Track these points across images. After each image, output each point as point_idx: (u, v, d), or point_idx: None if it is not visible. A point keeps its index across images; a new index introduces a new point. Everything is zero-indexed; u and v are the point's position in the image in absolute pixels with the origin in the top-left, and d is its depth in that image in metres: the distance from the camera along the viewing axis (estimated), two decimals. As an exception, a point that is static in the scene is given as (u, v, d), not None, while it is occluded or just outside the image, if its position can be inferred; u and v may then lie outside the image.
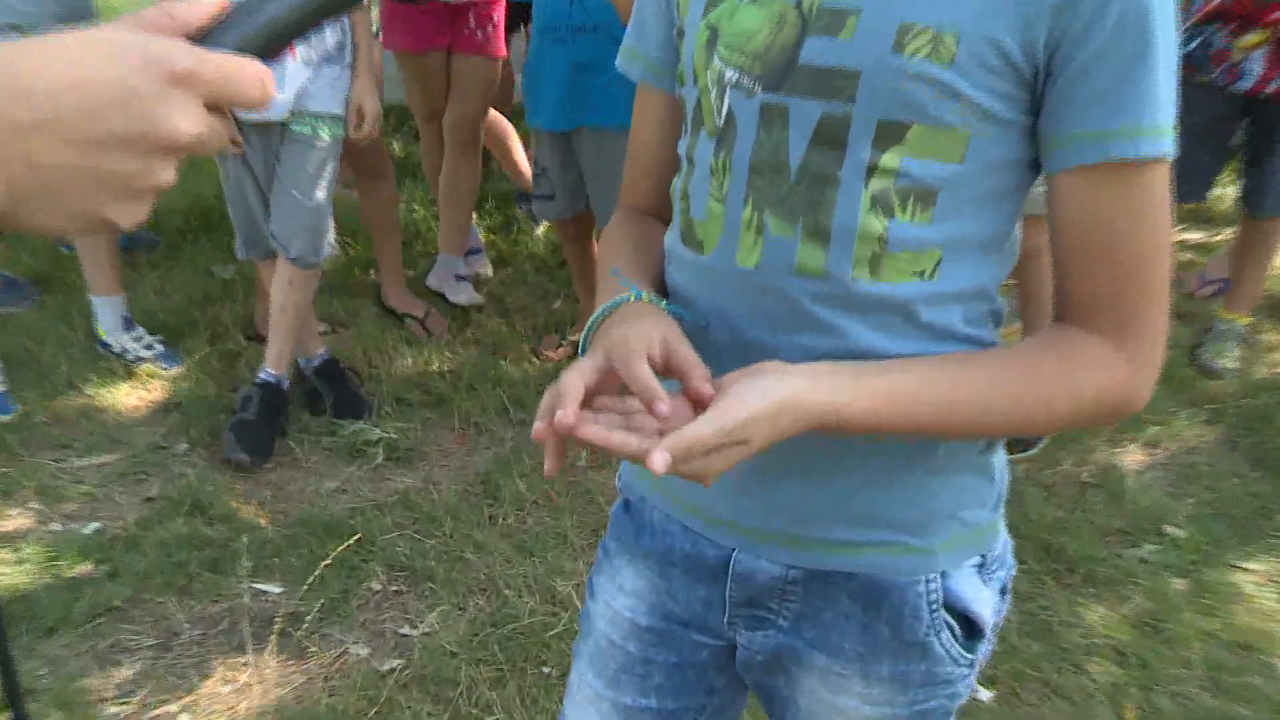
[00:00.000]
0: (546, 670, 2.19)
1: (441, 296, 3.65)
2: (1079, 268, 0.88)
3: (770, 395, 0.81)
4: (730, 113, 0.91)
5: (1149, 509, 2.76)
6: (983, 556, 1.01)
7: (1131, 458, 3.01)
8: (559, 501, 2.70)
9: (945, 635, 1.00)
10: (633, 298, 0.92)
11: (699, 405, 0.82)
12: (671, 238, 1.01)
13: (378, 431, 2.94)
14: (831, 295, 0.89)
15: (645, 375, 0.80)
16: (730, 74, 0.91)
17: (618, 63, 1.09)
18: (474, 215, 3.90)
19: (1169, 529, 2.70)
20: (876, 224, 0.87)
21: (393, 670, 2.19)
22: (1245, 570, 2.57)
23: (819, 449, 0.92)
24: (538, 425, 0.81)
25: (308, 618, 2.31)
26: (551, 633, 2.27)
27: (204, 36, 0.56)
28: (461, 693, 2.12)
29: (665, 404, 0.79)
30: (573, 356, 3.30)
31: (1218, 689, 2.21)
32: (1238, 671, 2.25)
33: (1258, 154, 3.21)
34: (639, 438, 0.79)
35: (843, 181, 0.87)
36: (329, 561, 2.44)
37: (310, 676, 2.18)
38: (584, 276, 3.33)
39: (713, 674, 1.12)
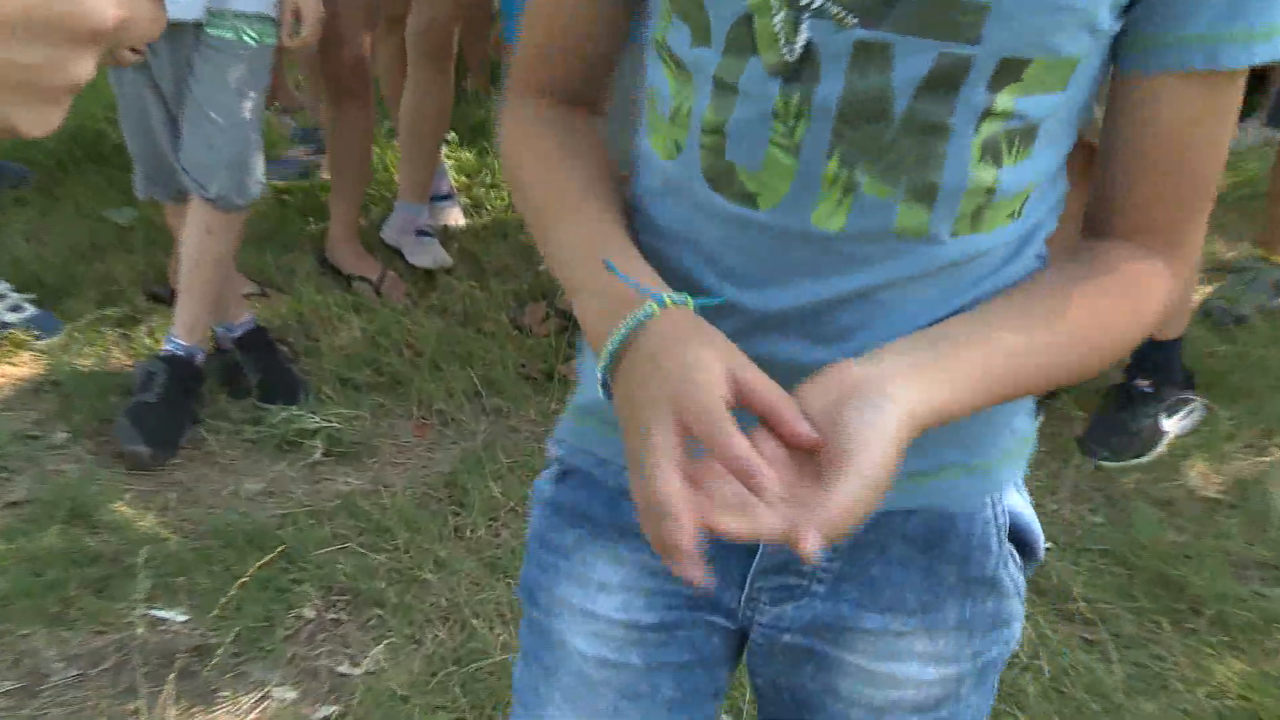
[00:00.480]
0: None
1: (400, 254, 3.67)
2: (1147, 178, 0.97)
3: (891, 424, 0.84)
4: (811, 45, 0.90)
5: None
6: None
7: None
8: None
9: (1011, 566, 1.08)
10: (656, 310, 0.90)
11: (794, 445, 0.84)
12: (659, 165, 1.01)
13: (316, 419, 2.94)
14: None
15: (741, 448, 0.80)
16: None
17: None
18: (443, 151, 3.91)
19: None
20: (987, 175, 0.93)
21: (327, 719, 2.21)
22: None
23: None
24: (664, 536, 0.81)
25: (218, 652, 2.30)
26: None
27: None
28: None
29: (772, 479, 0.80)
30: (561, 330, 3.35)
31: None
32: None
33: None
34: (779, 515, 0.80)
35: (954, 130, 0.91)
36: (247, 580, 2.43)
37: (217, 730, 2.21)
38: None
39: (719, 671, 1.15)
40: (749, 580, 1.07)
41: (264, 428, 2.92)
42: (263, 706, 2.22)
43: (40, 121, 0.57)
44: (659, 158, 1.02)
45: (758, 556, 1.06)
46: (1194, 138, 0.95)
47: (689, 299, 0.93)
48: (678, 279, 0.96)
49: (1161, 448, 3.02)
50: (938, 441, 0.94)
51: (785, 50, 0.91)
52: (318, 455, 2.87)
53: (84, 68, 0.56)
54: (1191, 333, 3.25)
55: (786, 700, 1.15)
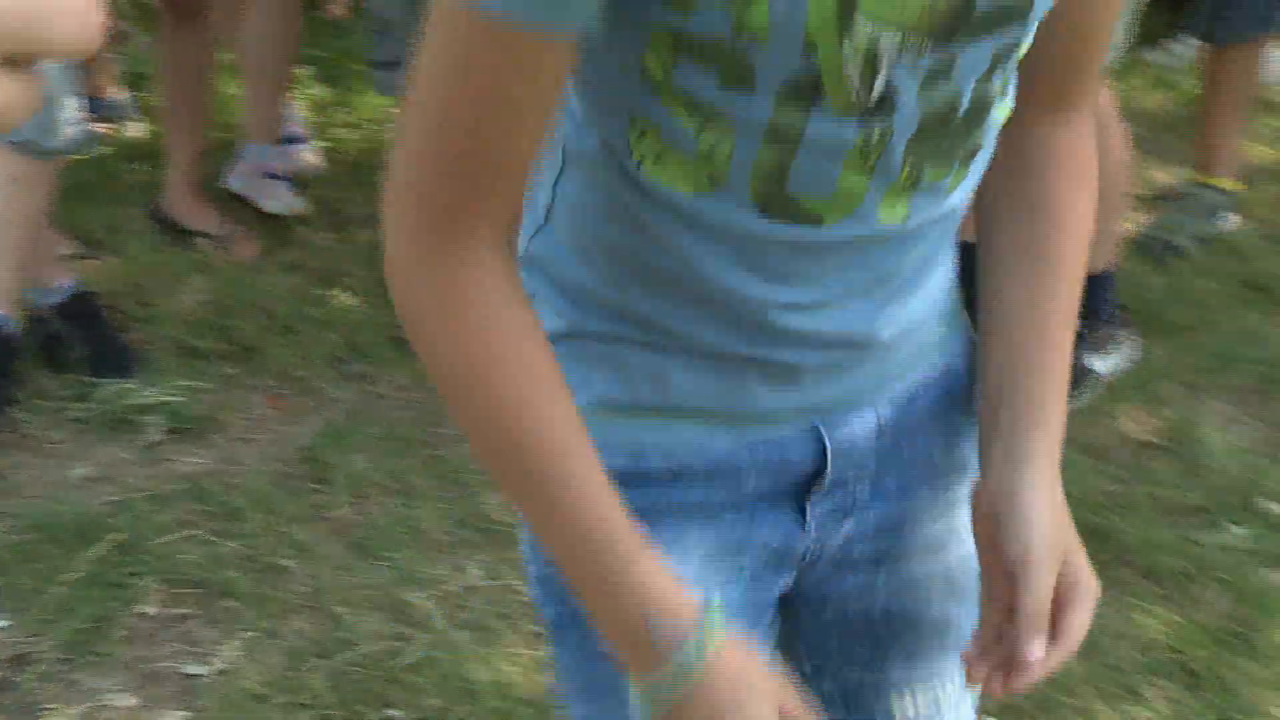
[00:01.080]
0: (393, 714, 2.30)
1: (247, 204, 3.68)
2: (1060, 44, 1.10)
3: (1061, 548, 1.11)
4: (890, 83, 0.96)
5: (1237, 479, 2.93)
6: None
7: (1216, 410, 3.17)
8: (416, 483, 2.80)
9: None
10: (711, 646, 1.03)
11: None
12: (674, 198, 1.04)
13: (153, 394, 2.97)
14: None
15: None
16: (889, 39, 0.93)
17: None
18: (292, 85, 3.94)
19: (1264, 504, 2.86)
20: (1001, 115, 1.07)
21: None
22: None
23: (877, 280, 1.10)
24: None
25: (42, 659, 2.34)
26: (402, 663, 2.38)
27: None
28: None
29: None
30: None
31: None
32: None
33: None
34: None
35: (998, 95, 1.04)
36: (77, 577, 2.47)
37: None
38: None
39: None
40: (809, 518, 1.19)
41: (92, 405, 2.93)
42: (96, 717, 2.26)
43: None
44: (679, 191, 1.02)
45: (826, 470, 1.17)
46: None
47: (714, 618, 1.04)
48: (703, 291, 1.04)
49: (1091, 390, 3.15)
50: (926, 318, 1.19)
51: (860, 93, 0.96)
52: (156, 434, 2.88)
53: None
54: (1123, 266, 3.37)
55: (863, 638, 1.27)
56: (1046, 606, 1.06)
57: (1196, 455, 2.99)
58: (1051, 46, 1.09)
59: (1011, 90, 1.09)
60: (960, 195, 1.09)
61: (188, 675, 2.35)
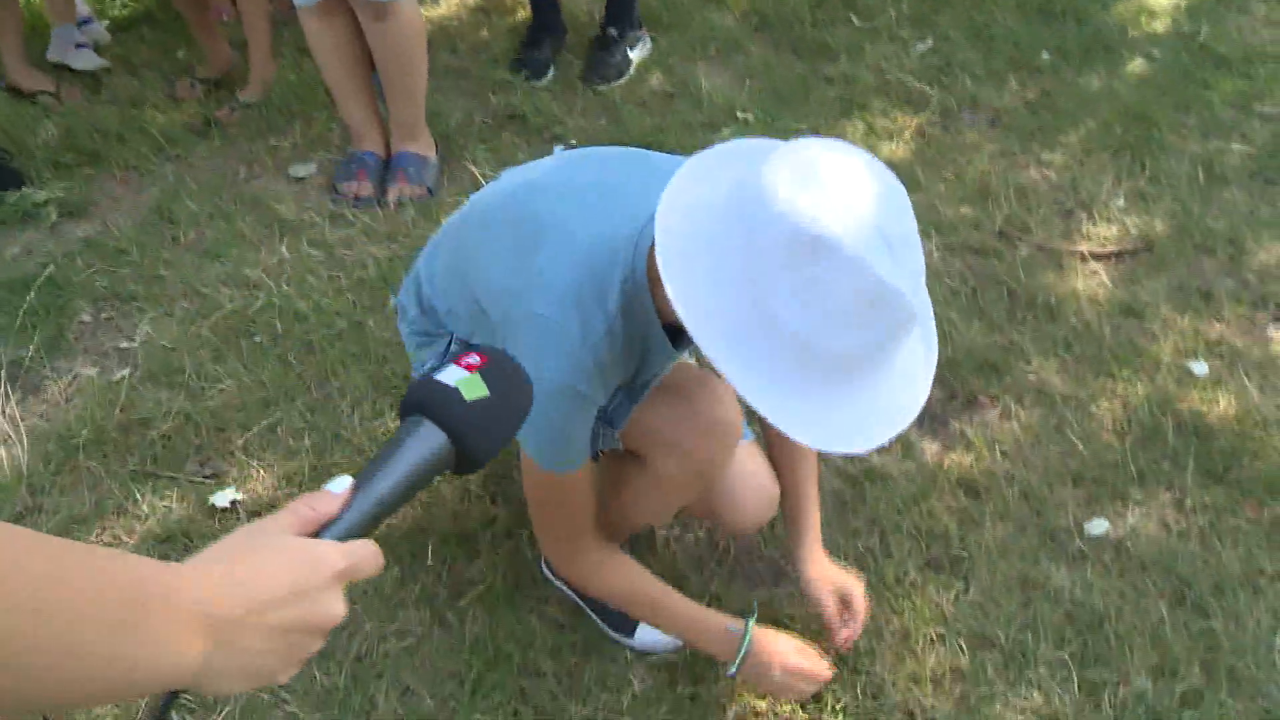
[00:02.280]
0: (257, 339, 2.60)
1: (67, 68, 3.69)
2: None
3: (826, 572, 1.90)
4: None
5: (722, 102, 3.39)
6: None
7: (703, 69, 3.61)
8: (231, 209, 3.03)
9: None
10: (751, 634, 1.74)
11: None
12: None
13: (44, 193, 3.08)
14: None
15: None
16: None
17: (556, 465, 1.54)
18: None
19: (740, 113, 3.35)
20: None
21: (124, 377, 2.50)
22: (798, 129, 3.29)
23: None
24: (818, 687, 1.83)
25: (30, 359, 2.56)
26: (254, 309, 2.67)
27: (335, 520, 0.75)
28: (189, 374, 2.50)
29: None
30: (209, 92, 3.55)
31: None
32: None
33: None
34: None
35: None
36: (30, 301, 2.67)
37: (52, 403, 2.46)
38: (203, 26, 3.57)
39: None
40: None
41: (5, 208, 3.02)
42: (76, 382, 2.49)
43: (292, 674, 0.70)
44: None
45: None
46: None
47: (751, 626, 1.73)
48: None
49: (631, 70, 3.54)
50: None
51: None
52: (55, 218, 3.00)
53: (319, 644, 0.71)
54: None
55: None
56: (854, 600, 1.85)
57: (698, 93, 3.42)
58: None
59: None
60: None
61: (122, 348, 2.57)
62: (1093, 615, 1.99)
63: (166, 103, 3.55)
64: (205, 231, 2.98)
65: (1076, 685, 1.89)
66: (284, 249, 2.90)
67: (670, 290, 1.19)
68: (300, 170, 3.21)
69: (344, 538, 0.74)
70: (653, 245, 1.25)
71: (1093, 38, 3.74)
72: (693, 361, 1.86)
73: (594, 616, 1.95)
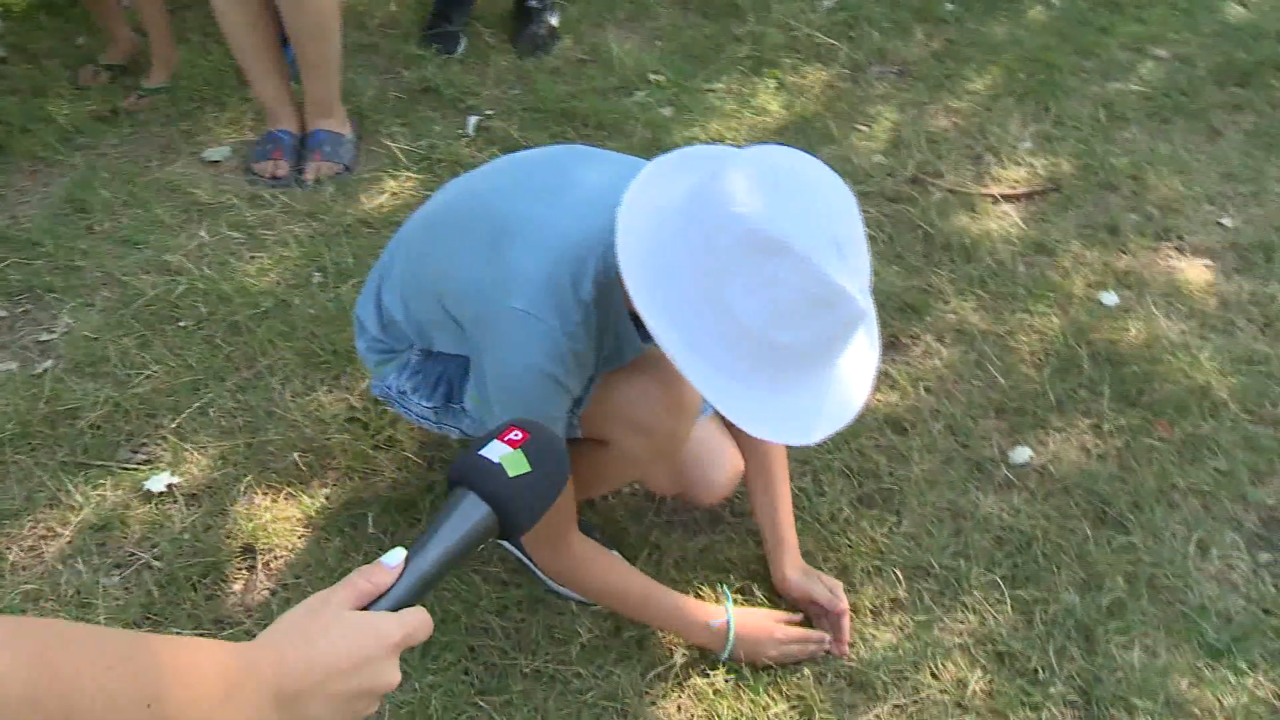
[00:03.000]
0: (182, 323, 2.56)
1: None
2: None
3: (801, 576, 1.92)
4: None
5: (634, 66, 3.41)
6: None
7: (615, 34, 3.62)
8: (147, 198, 2.98)
9: None
10: (733, 614, 1.81)
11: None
12: None
13: None
14: None
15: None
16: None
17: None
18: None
19: (652, 76, 3.36)
20: None
21: (47, 369, 2.45)
22: (710, 90, 3.33)
23: None
24: (813, 652, 1.87)
25: None
26: (177, 293, 2.63)
27: (389, 590, 0.81)
28: (115, 363, 2.46)
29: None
30: (114, 79, 3.47)
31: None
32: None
33: None
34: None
35: None
36: None
37: (-28, 399, 2.38)
38: (104, 10, 3.49)
39: None
40: None
41: None
42: None
43: None
44: None
45: None
46: None
47: (730, 609, 1.80)
48: None
49: (556, 39, 3.54)
50: None
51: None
52: None
53: (375, 708, 0.79)
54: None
55: None
56: (837, 599, 1.86)
57: (610, 58, 3.43)
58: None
59: None
60: None
61: (42, 341, 2.52)
62: (1021, 538, 2.06)
63: (71, 91, 3.47)
64: (121, 219, 2.93)
65: (1009, 605, 1.95)
66: (203, 233, 2.86)
67: (629, 285, 1.27)
68: (214, 153, 3.17)
69: (396, 607, 0.81)
70: None
71: (992, -13, 3.82)
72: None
73: (537, 572, 1.97)
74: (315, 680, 0.73)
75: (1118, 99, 3.26)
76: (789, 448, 1.98)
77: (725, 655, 1.80)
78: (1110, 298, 2.57)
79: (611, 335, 1.53)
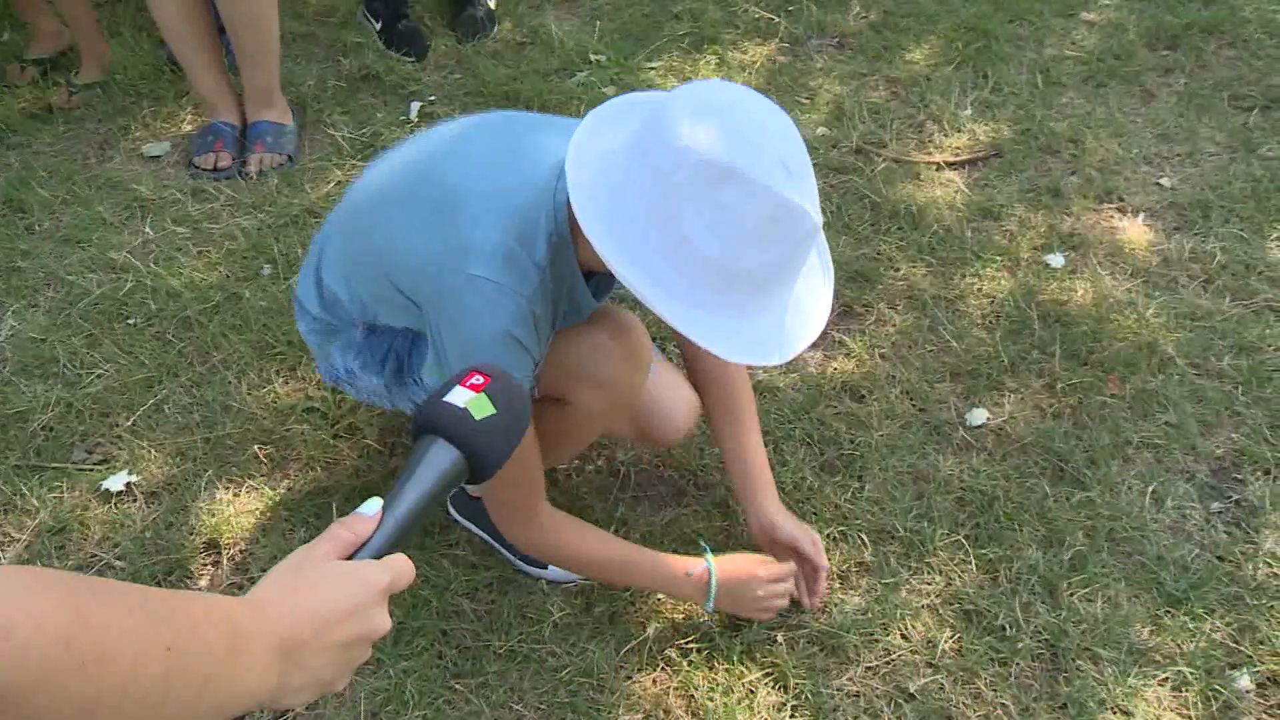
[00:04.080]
0: (131, 321, 2.51)
1: None
2: None
3: (782, 518, 1.86)
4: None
5: (574, 46, 3.38)
6: None
7: (553, 15, 3.59)
8: (87, 193, 2.91)
9: None
10: (713, 563, 1.75)
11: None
12: None
13: None
14: None
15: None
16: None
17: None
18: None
19: (593, 56, 3.34)
20: None
21: None
22: (652, 68, 3.31)
23: None
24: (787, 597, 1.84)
25: None
26: (124, 291, 2.58)
27: (370, 540, 0.81)
28: (64, 363, 2.40)
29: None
30: (45, 75, 3.39)
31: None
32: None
33: None
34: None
35: None
36: None
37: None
38: (26, 2, 3.39)
39: None
40: None
41: None
42: None
43: (348, 680, 0.79)
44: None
45: None
46: None
47: (709, 558, 1.74)
48: None
49: (494, 25, 3.50)
50: None
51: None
52: None
53: (369, 654, 0.80)
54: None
55: None
56: (819, 552, 1.81)
57: (550, 40, 3.40)
58: (703, 373, 1.84)
59: None
60: None
61: None
62: (982, 498, 2.07)
63: (2, 92, 3.38)
64: (61, 218, 2.87)
65: (974, 564, 1.97)
66: (148, 229, 2.80)
67: (589, 232, 1.27)
68: (154, 148, 3.11)
69: (379, 555, 0.82)
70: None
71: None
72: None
73: (505, 553, 1.96)
74: (313, 630, 0.75)
75: (1053, 65, 3.28)
76: (754, 391, 1.98)
77: (710, 604, 1.75)
78: (1056, 259, 2.59)
79: (566, 296, 1.52)
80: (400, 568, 0.82)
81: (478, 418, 0.87)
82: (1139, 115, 3.09)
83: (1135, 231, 2.69)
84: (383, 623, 0.80)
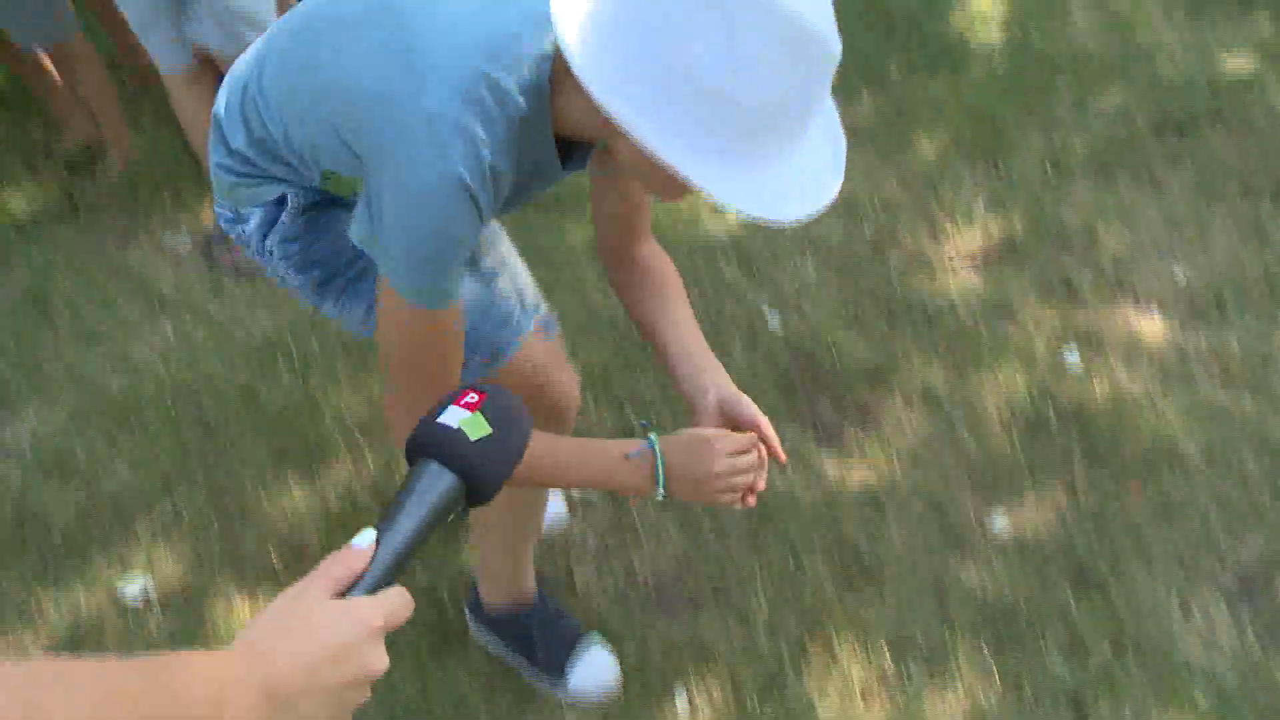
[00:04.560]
0: (149, 421, 2.50)
1: None
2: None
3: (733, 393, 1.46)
4: None
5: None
6: None
7: None
8: (108, 287, 2.93)
9: None
10: (658, 444, 1.37)
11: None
12: None
13: None
14: None
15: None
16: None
17: (430, 294, 1.24)
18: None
19: None
20: None
21: (12, 472, 2.40)
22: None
23: None
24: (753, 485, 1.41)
25: None
26: (143, 390, 2.58)
27: (365, 574, 0.77)
28: (83, 463, 2.39)
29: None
30: (70, 170, 3.42)
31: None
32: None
33: None
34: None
35: None
36: None
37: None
38: (55, 96, 3.43)
39: None
40: None
41: None
42: None
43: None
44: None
45: None
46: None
47: (653, 436, 1.38)
48: None
49: None
50: None
51: None
52: None
53: (366, 694, 0.75)
54: None
55: None
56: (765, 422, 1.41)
57: None
58: (618, 226, 1.52)
59: None
60: None
61: (7, 442, 2.45)
62: (1004, 606, 2.03)
63: (28, 182, 3.41)
64: (82, 314, 2.88)
65: (997, 676, 1.93)
66: (167, 327, 2.80)
67: (580, 71, 1.08)
68: (174, 241, 3.12)
69: (374, 590, 0.77)
70: (553, 47, 1.18)
71: (935, 46, 3.85)
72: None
73: (522, 666, 1.92)
74: (304, 676, 0.71)
75: (1063, 153, 3.28)
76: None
77: (661, 490, 1.40)
78: (1072, 355, 2.57)
79: (531, 159, 1.28)
80: (396, 602, 0.78)
81: (473, 439, 0.83)
82: (1149, 204, 3.08)
83: (1150, 325, 2.67)
84: (379, 662, 0.75)
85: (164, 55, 2.73)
